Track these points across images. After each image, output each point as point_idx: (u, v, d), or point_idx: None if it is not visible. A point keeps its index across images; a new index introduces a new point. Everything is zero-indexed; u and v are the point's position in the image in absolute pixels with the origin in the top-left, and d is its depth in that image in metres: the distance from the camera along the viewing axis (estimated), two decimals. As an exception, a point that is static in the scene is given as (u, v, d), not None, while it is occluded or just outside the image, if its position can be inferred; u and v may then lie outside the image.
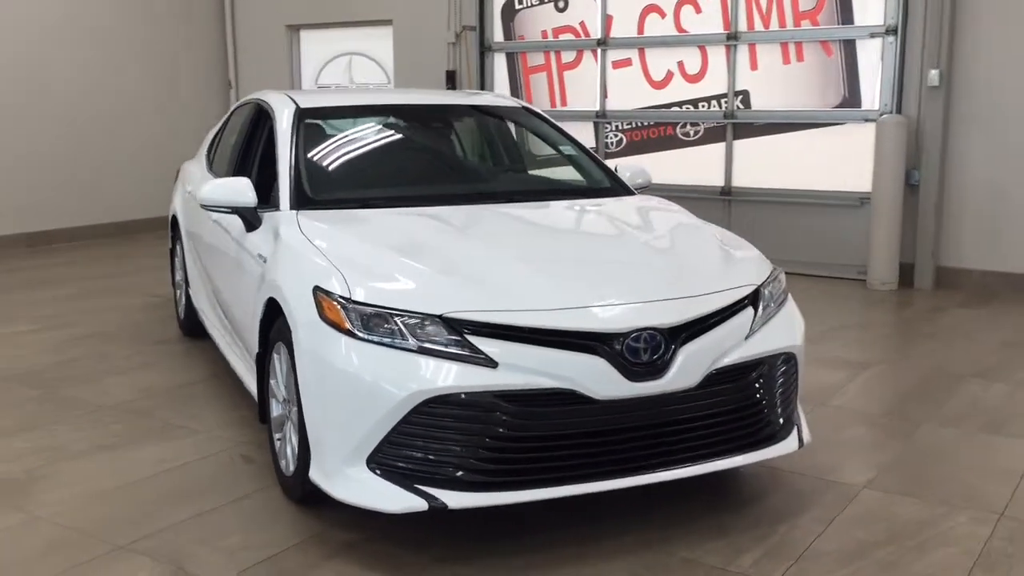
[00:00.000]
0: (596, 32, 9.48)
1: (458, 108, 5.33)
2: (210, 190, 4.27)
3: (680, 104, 9.18)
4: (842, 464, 4.19)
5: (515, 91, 10.05)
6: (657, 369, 3.29)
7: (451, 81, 10.17)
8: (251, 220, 4.26)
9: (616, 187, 4.82)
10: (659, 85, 9.27)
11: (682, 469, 3.39)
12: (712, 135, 9.06)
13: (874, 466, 4.18)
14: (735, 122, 8.88)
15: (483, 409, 3.14)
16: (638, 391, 3.26)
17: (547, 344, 3.20)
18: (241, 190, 4.25)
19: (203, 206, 4.33)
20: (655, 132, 9.34)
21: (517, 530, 3.50)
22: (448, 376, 3.14)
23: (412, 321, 3.21)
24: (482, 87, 10.15)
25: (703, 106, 9.06)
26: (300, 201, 4.20)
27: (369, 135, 5.01)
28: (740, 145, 8.93)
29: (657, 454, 3.37)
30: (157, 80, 11.21)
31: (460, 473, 3.15)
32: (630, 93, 9.40)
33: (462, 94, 5.90)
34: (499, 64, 10.13)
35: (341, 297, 3.32)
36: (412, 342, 3.19)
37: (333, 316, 3.30)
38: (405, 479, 3.17)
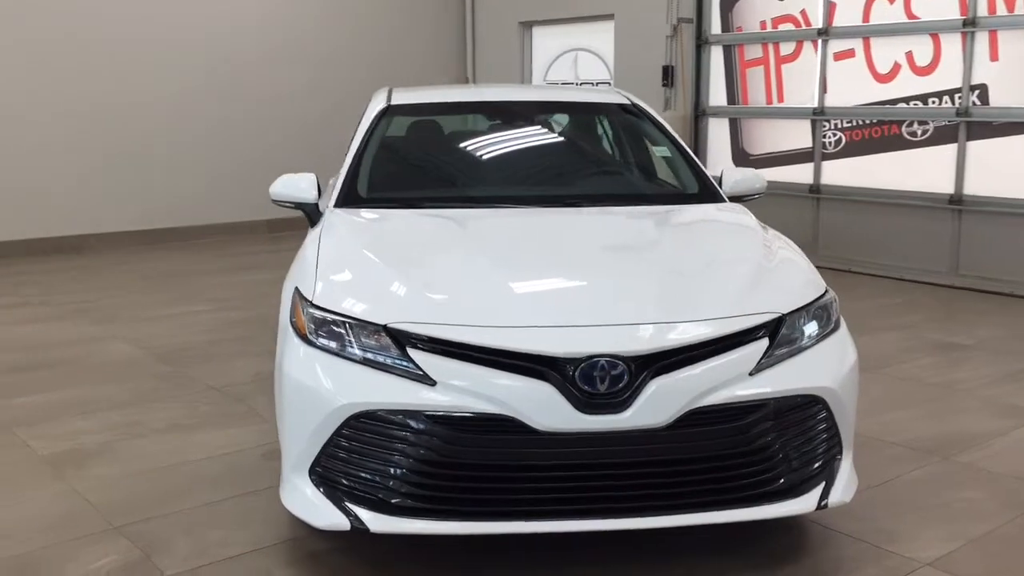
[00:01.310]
0: (817, 21, 8.70)
1: (554, 104, 5.05)
2: (278, 184, 4.34)
3: (907, 100, 8.21)
4: (918, 532, 3.51)
5: (731, 86, 9.47)
6: (617, 403, 2.90)
7: (666, 77, 9.76)
8: (312, 216, 4.28)
9: (705, 194, 4.36)
10: (884, 79, 8.34)
11: (653, 519, 2.96)
12: (942, 135, 8.02)
13: (958, 539, 3.47)
14: (970, 120, 7.80)
15: (413, 431, 2.93)
16: (591, 425, 2.89)
17: (491, 365, 2.92)
18: (304, 186, 4.27)
19: (273, 200, 4.40)
20: (877, 131, 8.43)
21: (503, 561, 3.25)
22: (381, 391, 2.95)
23: (360, 331, 3.05)
24: (697, 82, 9.66)
25: (933, 102, 8.04)
26: (348, 199, 4.16)
27: (449, 133, 4.88)
28: (975, 147, 7.83)
29: (620, 498, 2.98)
30: (403, 77, 11.64)
31: (389, 496, 2.96)
32: (852, 88, 8.54)
33: (569, 90, 5.57)
34: (715, 58, 9.58)
35: (307, 300, 3.23)
36: (358, 353, 3.03)
37: (298, 320, 3.22)
38: (337, 495, 3.02)
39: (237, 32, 10.52)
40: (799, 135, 8.97)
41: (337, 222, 3.88)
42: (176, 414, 4.81)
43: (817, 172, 8.85)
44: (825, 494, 3.13)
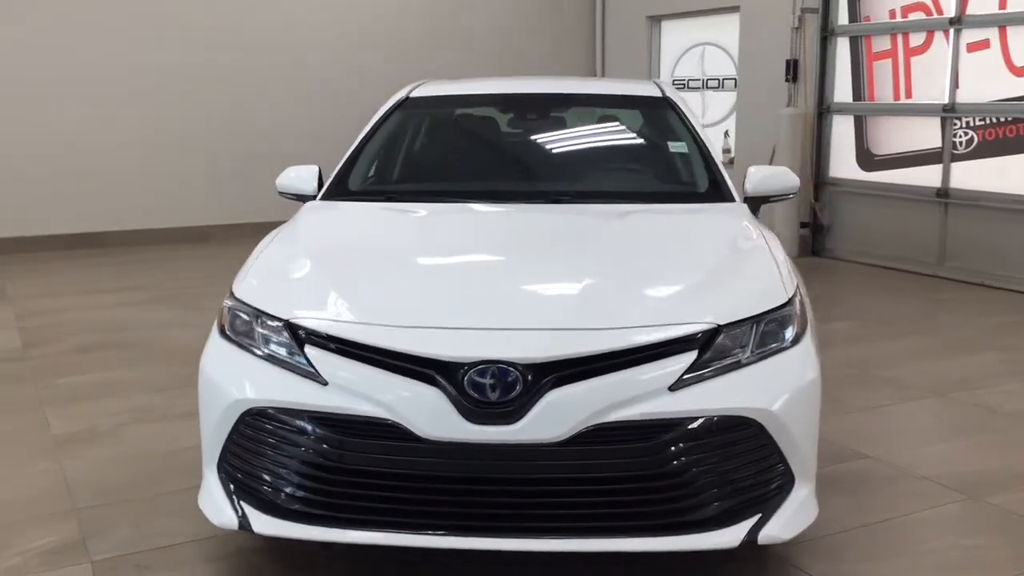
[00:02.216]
0: (950, 9, 7.97)
1: (580, 97, 4.79)
2: (284, 177, 4.33)
3: (1047, 95, 7.41)
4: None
5: (856, 81, 8.83)
6: (508, 413, 2.68)
7: (791, 71, 9.21)
8: None
9: (713, 193, 4.02)
10: (1022, 72, 7.54)
11: (550, 541, 2.73)
12: (1086, 135, 7.18)
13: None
14: (1117, 118, 6.95)
15: (301, 431, 2.82)
16: (478, 436, 2.69)
17: (381, 366, 2.77)
18: (305, 178, 4.24)
19: (279, 192, 4.40)
20: (1013, 130, 7.62)
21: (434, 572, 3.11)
22: (273, 389, 2.86)
23: (265, 325, 2.97)
24: (822, 77, 9.06)
25: (1076, 98, 7.22)
26: (336, 192, 4.10)
27: (460, 127, 4.72)
28: (1123, 148, 6.97)
29: (516, 516, 2.76)
30: (527, 73, 11.56)
31: (276, 497, 2.86)
32: (986, 82, 7.77)
33: (598, 82, 5.26)
34: (841, 51, 8.96)
35: (230, 292, 3.18)
36: (262, 348, 2.96)
37: (220, 313, 3.18)
38: (234, 492, 2.95)
39: (363, 32, 10.69)
40: (927, 134, 8.25)
41: (301, 216, 3.83)
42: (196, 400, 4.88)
43: (946, 174, 8.11)
44: (758, 528, 2.79)
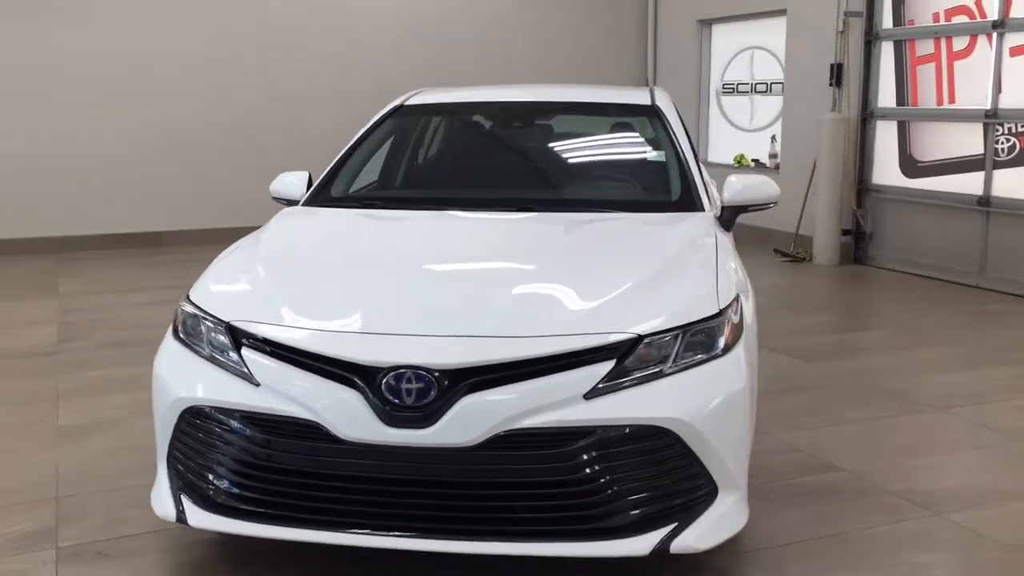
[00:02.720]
0: (993, 12, 7.75)
1: (570, 105, 4.83)
2: (276, 183, 4.47)
3: (1092, 101, 7.16)
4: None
5: (900, 85, 8.64)
6: (421, 417, 2.76)
7: (835, 75, 9.06)
8: None
9: (683, 202, 4.03)
10: (1066, 77, 7.31)
11: (463, 543, 2.80)
12: None
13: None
14: None
15: (233, 430, 2.94)
16: (395, 439, 2.77)
17: (307, 368, 2.87)
18: (296, 183, 4.37)
19: (273, 198, 4.54)
20: (1056, 137, 7.39)
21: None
22: (210, 388, 3.00)
23: (210, 327, 3.11)
24: (866, 82, 8.89)
25: (1121, 104, 6.96)
26: (318, 198, 4.23)
27: (446, 134, 4.80)
28: None
29: (434, 518, 2.83)
30: (579, 77, 11.59)
31: (211, 492, 2.99)
32: (1029, 87, 7.55)
33: (591, 90, 5.25)
34: (885, 54, 8.78)
35: (187, 296, 3.32)
36: (206, 349, 3.09)
37: (176, 314, 3.32)
38: (176, 487, 3.09)
39: (414, 34, 10.84)
40: (970, 140, 8.04)
41: (270, 223, 3.95)
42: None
43: (988, 182, 7.88)
44: (672, 537, 2.81)
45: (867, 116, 8.96)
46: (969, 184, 8.03)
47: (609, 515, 2.80)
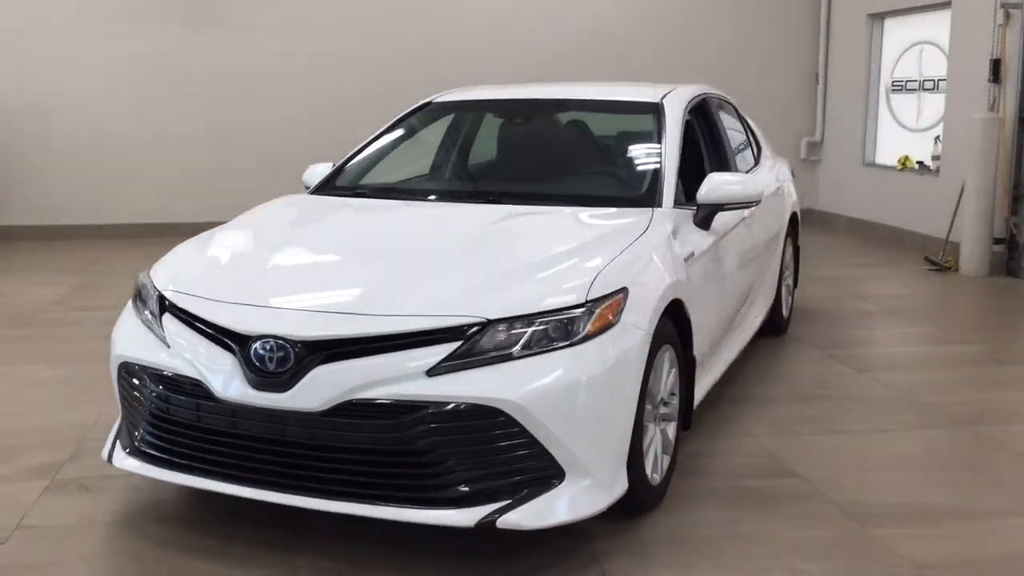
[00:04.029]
0: None
1: (570, 103, 4.92)
2: (307, 172, 4.91)
3: None
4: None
5: (1059, 82, 7.93)
6: (280, 383, 3.07)
7: (994, 72, 8.44)
8: None
9: (645, 198, 4.07)
10: None
11: (315, 500, 3.08)
12: None
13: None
14: None
15: (148, 385, 3.37)
16: (258, 400, 3.10)
17: (202, 334, 3.26)
18: (321, 173, 4.80)
19: (305, 187, 4.99)
20: None
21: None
22: (136, 348, 3.46)
23: (150, 295, 3.56)
24: (1024, 78, 8.23)
25: None
26: (324, 186, 4.63)
27: (453, 130, 5.03)
28: None
29: (294, 476, 3.13)
30: (742, 73, 11.41)
31: (133, 439, 3.45)
32: None
33: (600, 87, 5.28)
34: (1046, 49, 8.08)
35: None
36: (147, 314, 3.55)
37: (135, 283, 3.78)
38: (116, 432, 3.59)
39: (580, 31, 11.03)
40: None
41: (257, 207, 4.37)
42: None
43: None
44: (500, 512, 2.96)
45: (1025, 116, 8.28)
46: None
47: (442, 487, 2.99)
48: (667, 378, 3.65)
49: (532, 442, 2.99)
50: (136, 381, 3.43)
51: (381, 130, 4.92)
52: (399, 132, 4.93)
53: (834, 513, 3.63)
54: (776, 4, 11.44)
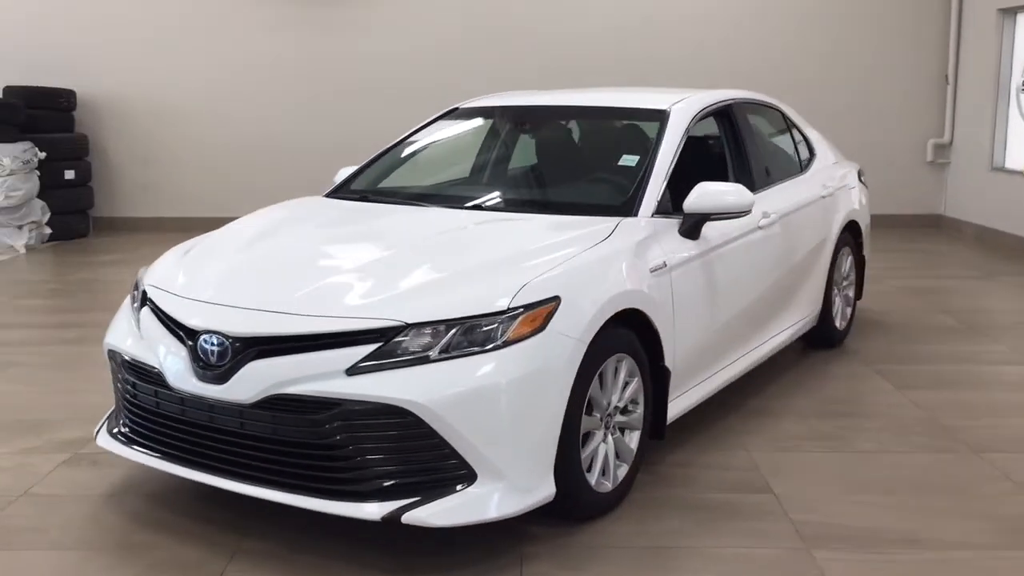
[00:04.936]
0: None
1: (577, 110, 4.95)
2: (338, 175, 5.16)
3: None
4: None
5: None
6: (218, 376, 3.29)
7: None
8: None
9: (622, 208, 4.06)
10: None
11: (259, 489, 3.28)
12: None
13: None
14: None
15: (121, 371, 3.68)
16: (201, 391, 3.33)
17: (166, 327, 3.53)
18: (342, 176, 5.05)
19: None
20: None
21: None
22: (118, 336, 3.78)
23: (137, 289, 3.88)
24: None
25: None
26: (339, 189, 4.87)
27: (462, 137, 5.14)
28: None
29: (231, 462, 3.35)
30: (865, 74, 11.00)
31: (115, 421, 3.78)
32: None
33: (614, 93, 5.24)
34: None
35: (151, 266, 4.12)
36: (136, 305, 3.86)
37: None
38: (106, 414, 3.91)
39: (700, 38, 10.93)
40: None
41: (268, 207, 4.62)
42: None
43: None
44: (407, 508, 3.08)
45: None
46: None
47: (355, 480, 3.15)
48: (623, 387, 3.66)
49: (442, 443, 3.09)
50: (114, 366, 3.75)
51: (405, 135, 5.09)
52: (421, 137, 5.10)
53: (786, 532, 3.55)
54: (905, 2, 10.93)
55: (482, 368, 3.13)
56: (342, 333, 3.18)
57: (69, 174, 10.73)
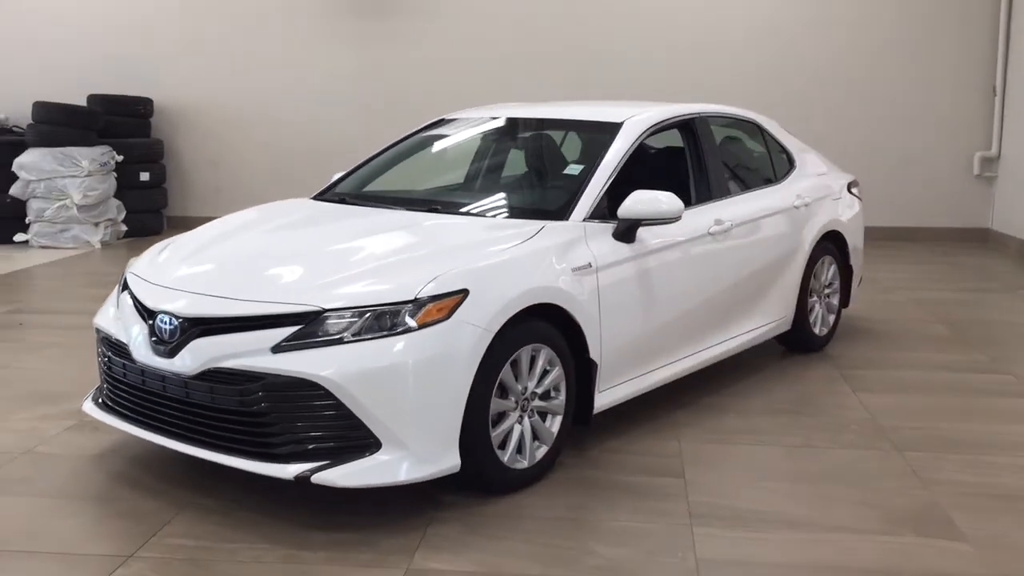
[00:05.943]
0: None
1: (547, 122, 5.31)
2: (333, 178, 5.66)
3: None
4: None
5: None
6: (169, 351, 3.79)
7: None
8: None
9: (557, 212, 4.44)
10: None
11: (204, 451, 3.77)
12: None
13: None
14: None
15: (101, 345, 4.24)
16: (155, 364, 3.85)
17: (135, 307, 4.07)
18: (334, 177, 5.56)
19: (328, 190, 5.72)
20: None
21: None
22: (101, 316, 4.34)
23: (124, 275, 4.43)
24: None
25: None
26: (325, 191, 5.35)
27: (438, 145, 5.55)
28: None
29: (178, 426, 3.86)
30: (911, 86, 11.03)
31: (99, 391, 4.33)
32: None
33: (587, 107, 5.58)
34: None
35: (149, 254, 4.68)
36: (119, 289, 4.41)
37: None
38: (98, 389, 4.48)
39: (765, 52, 11.14)
40: None
41: (273, 206, 5.13)
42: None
43: None
44: (317, 470, 3.53)
45: None
46: None
47: (275, 444, 3.62)
48: (542, 375, 4.03)
49: (348, 414, 3.53)
50: (98, 342, 4.31)
51: (392, 143, 5.55)
52: (407, 143, 5.57)
53: (679, 511, 3.85)
54: (951, 13, 10.92)
55: (389, 350, 3.56)
56: (270, 316, 3.66)
57: (144, 176, 11.57)
